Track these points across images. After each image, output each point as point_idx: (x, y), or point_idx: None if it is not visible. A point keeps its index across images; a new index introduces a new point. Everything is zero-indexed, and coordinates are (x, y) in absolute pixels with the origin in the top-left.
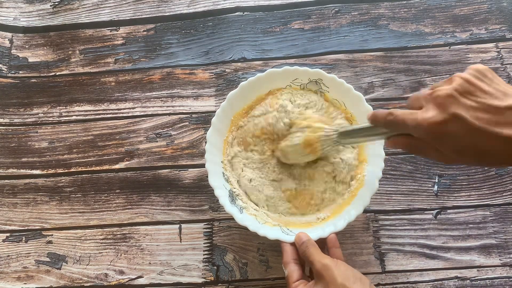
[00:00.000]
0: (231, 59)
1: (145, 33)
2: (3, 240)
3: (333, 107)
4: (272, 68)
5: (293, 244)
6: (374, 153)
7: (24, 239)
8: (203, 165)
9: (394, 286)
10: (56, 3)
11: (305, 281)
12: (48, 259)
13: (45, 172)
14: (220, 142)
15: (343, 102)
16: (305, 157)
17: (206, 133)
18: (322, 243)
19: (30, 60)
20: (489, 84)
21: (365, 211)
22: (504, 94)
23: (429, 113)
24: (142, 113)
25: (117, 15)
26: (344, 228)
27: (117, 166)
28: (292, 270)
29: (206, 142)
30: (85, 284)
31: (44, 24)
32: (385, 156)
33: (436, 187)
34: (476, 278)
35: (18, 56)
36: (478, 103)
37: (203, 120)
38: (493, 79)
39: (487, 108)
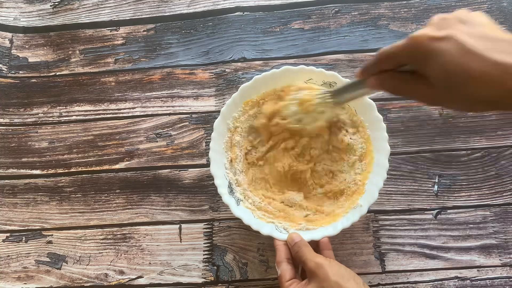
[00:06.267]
0: (231, 59)
1: (145, 33)
2: (3, 240)
3: None
4: (287, 67)
5: (286, 243)
6: (379, 163)
7: (24, 239)
8: (203, 165)
9: (394, 286)
10: (56, 3)
11: (298, 280)
12: (48, 259)
13: (45, 172)
14: (225, 131)
15: (355, 108)
16: (302, 119)
17: (206, 133)
18: (315, 246)
19: (30, 60)
20: (488, 22)
21: None
22: (500, 31)
23: (424, 30)
24: (142, 113)
25: (117, 15)
26: (339, 232)
27: (117, 166)
28: (285, 269)
29: (210, 135)
30: (85, 284)
31: (44, 24)
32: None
33: (436, 187)
34: (476, 278)
35: (18, 56)
36: (475, 31)
37: (203, 120)
38: (491, 21)
39: (483, 37)
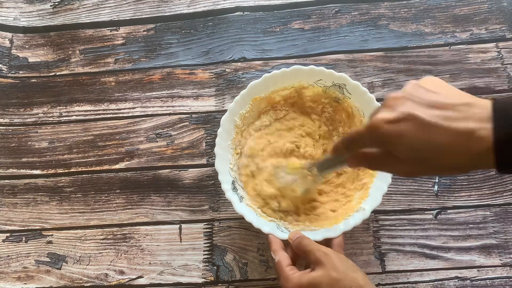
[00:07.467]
0: (231, 59)
1: (145, 33)
2: (3, 240)
3: None
4: (297, 66)
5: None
6: None
7: (24, 239)
8: (203, 165)
9: (394, 286)
10: (56, 3)
11: (296, 268)
12: (48, 259)
13: (45, 172)
14: (232, 127)
15: (363, 111)
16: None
17: (206, 133)
18: (328, 244)
19: (30, 60)
20: (442, 88)
21: None
22: (457, 95)
23: (380, 115)
24: (142, 113)
25: (117, 15)
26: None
27: (117, 166)
28: (283, 255)
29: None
30: (85, 284)
31: (44, 24)
32: None
33: (436, 187)
34: (476, 278)
35: (18, 56)
36: (430, 101)
37: (203, 120)
38: (446, 85)
39: (440, 106)
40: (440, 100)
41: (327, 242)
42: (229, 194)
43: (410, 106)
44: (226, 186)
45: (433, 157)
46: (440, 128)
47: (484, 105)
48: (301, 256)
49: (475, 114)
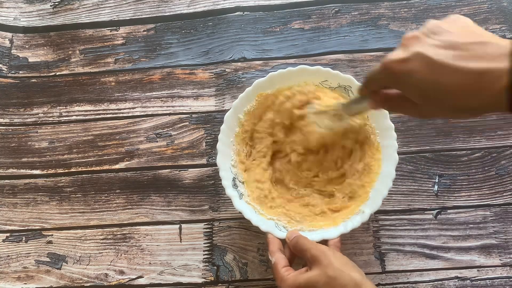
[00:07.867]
0: (231, 59)
1: (145, 33)
2: (3, 240)
3: None
4: (303, 66)
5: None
6: (386, 171)
7: (24, 239)
8: (203, 165)
9: (394, 286)
10: (56, 3)
11: (293, 269)
12: (48, 259)
13: (45, 172)
14: (235, 124)
15: (367, 115)
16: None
17: (206, 133)
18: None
19: (30, 60)
20: (460, 27)
21: None
22: (474, 34)
23: (393, 54)
24: (142, 113)
25: (117, 15)
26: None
27: (117, 166)
28: (280, 257)
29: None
30: (85, 284)
31: (44, 24)
32: None
33: (436, 187)
34: (476, 278)
35: (18, 56)
36: (442, 41)
37: (203, 120)
38: (467, 25)
39: (451, 45)
40: (452, 39)
41: (324, 243)
42: (229, 191)
43: (422, 45)
44: (226, 183)
45: (442, 98)
46: (448, 67)
47: (501, 44)
48: (298, 255)
49: (489, 53)
